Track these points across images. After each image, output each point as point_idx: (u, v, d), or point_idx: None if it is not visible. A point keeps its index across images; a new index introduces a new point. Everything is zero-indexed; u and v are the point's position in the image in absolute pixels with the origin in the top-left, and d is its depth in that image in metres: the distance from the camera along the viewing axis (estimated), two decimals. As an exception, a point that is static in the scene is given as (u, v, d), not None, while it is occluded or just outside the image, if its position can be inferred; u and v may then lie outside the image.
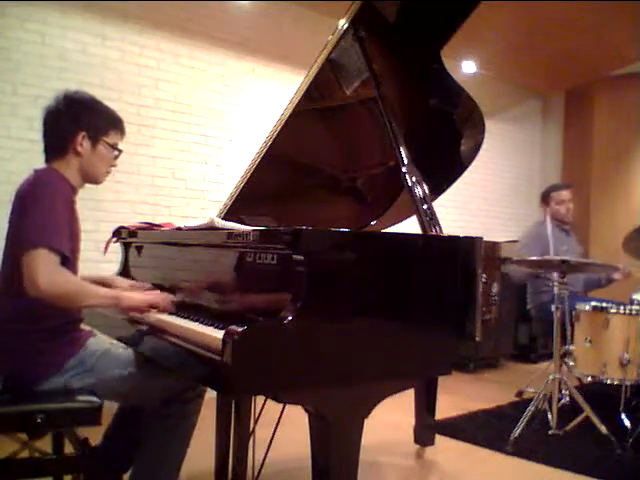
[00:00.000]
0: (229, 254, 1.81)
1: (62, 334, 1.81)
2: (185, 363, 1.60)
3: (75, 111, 1.87)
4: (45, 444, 1.86)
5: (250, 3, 4.28)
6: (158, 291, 1.95)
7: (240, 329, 1.33)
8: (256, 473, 2.14)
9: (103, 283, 1.96)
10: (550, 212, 4.06)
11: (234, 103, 4.26)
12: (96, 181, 1.96)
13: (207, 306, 1.87)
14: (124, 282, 2.12)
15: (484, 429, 3.33)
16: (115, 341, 1.94)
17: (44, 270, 1.62)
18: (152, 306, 1.83)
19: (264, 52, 4.35)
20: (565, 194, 4.08)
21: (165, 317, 1.81)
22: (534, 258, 3.35)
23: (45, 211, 1.69)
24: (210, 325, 1.61)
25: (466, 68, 5.48)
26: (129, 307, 1.81)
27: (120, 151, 1.99)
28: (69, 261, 1.75)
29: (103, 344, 1.88)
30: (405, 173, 2.06)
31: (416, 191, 2.05)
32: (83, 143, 1.86)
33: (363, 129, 2.55)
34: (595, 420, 3.01)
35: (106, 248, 2.36)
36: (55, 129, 1.88)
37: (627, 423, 3.09)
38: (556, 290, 3.18)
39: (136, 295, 1.85)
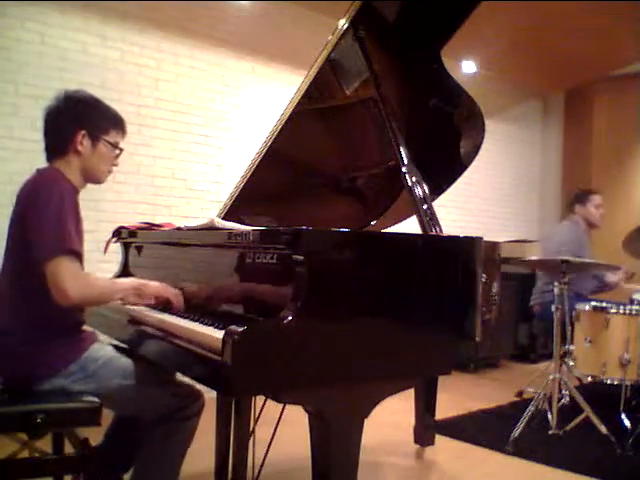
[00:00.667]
0: (229, 254, 1.81)
1: (64, 336, 1.80)
2: (185, 363, 1.60)
3: (75, 110, 1.86)
4: (45, 444, 1.86)
5: (250, 3, 4.28)
6: None
7: (240, 329, 1.33)
8: (256, 473, 2.14)
9: None
10: (584, 213, 4.06)
11: (234, 103, 4.26)
12: (98, 181, 1.96)
13: (207, 306, 1.87)
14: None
15: (484, 429, 3.33)
16: (117, 351, 1.92)
17: (70, 279, 1.64)
18: (166, 298, 1.89)
19: (264, 52, 4.35)
20: (600, 198, 4.10)
21: (165, 317, 1.81)
22: (534, 258, 3.35)
23: (57, 216, 1.69)
24: (210, 325, 1.61)
25: (466, 68, 5.48)
26: (150, 294, 1.88)
27: (121, 150, 1.98)
28: (82, 260, 1.76)
29: (107, 351, 1.87)
30: (405, 173, 2.06)
31: (416, 191, 2.05)
32: (83, 142, 1.85)
33: (363, 129, 2.54)
34: (595, 420, 3.01)
35: (106, 248, 2.36)
36: (55, 128, 1.87)
37: (627, 423, 3.09)
38: (556, 290, 3.18)
39: (154, 283, 1.90)
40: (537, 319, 4.26)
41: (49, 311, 1.70)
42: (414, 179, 2.06)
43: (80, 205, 1.88)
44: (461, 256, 1.79)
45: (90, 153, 1.88)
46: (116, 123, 1.95)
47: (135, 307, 1.97)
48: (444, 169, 2.58)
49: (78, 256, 1.71)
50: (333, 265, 1.50)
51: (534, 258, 3.44)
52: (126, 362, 1.86)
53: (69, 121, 1.85)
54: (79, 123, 1.85)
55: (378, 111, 2.18)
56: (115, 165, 1.99)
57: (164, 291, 1.90)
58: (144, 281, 1.91)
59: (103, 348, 1.88)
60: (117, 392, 1.80)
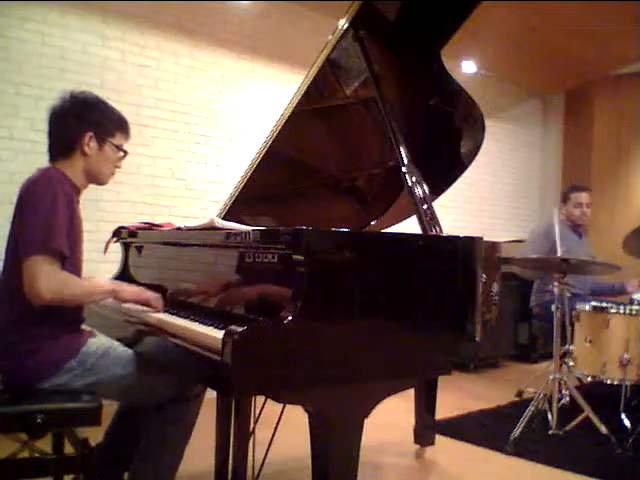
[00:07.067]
0: (229, 254, 1.81)
1: (63, 334, 1.80)
2: (185, 363, 1.60)
3: (83, 111, 1.87)
4: (45, 444, 1.86)
5: (250, 3, 4.28)
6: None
7: (240, 329, 1.33)
8: (256, 473, 2.14)
9: None
10: (565, 212, 4.06)
11: (234, 103, 4.26)
12: (101, 182, 1.97)
13: (207, 306, 1.87)
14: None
15: (484, 429, 3.33)
16: (116, 342, 1.93)
17: (45, 278, 1.65)
18: (144, 301, 1.91)
19: (264, 52, 4.35)
20: (584, 197, 4.04)
21: (165, 317, 1.81)
22: (534, 257, 3.35)
23: (45, 214, 1.69)
24: (210, 325, 1.61)
25: (466, 68, 5.48)
26: (124, 299, 1.90)
27: (125, 152, 2.00)
28: (68, 260, 1.76)
29: (104, 343, 1.87)
30: (405, 173, 2.06)
31: (416, 191, 2.05)
32: (90, 143, 1.87)
33: (363, 129, 2.55)
34: (595, 420, 3.01)
35: (106, 248, 2.36)
36: (62, 129, 1.88)
37: (627, 423, 3.09)
38: (556, 290, 3.17)
39: (131, 288, 1.92)
40: (536, 320, 4.24)
41: (47, 309, 1.70)
42: (414, 179, 2.06)
43: (80, 205, 1.89)
44: (461, 256, 1.79)
45: (96, 155, 1.89)
46: (121, 126, 1.97)
47: (134, 307, 1.97)
48: (444, 169, 2.58)
49: (60, 256, 1.71)
50: (333, 265, 1.50)
51: (534, 257, 3.44)
52: (124, 351, 1.87)
53: (77, 122, 1.86)
54: (87, 125, 1.86)
55: (378, 111, 2.18)
56: (118, 167, 2.01)
57: (140, 295, 1.91)
58: (121, 286, 1.91)
59: (100, 341, 1.88)
60: (117, 381, 1.81)
